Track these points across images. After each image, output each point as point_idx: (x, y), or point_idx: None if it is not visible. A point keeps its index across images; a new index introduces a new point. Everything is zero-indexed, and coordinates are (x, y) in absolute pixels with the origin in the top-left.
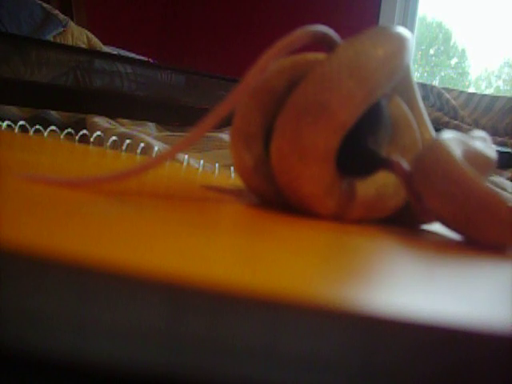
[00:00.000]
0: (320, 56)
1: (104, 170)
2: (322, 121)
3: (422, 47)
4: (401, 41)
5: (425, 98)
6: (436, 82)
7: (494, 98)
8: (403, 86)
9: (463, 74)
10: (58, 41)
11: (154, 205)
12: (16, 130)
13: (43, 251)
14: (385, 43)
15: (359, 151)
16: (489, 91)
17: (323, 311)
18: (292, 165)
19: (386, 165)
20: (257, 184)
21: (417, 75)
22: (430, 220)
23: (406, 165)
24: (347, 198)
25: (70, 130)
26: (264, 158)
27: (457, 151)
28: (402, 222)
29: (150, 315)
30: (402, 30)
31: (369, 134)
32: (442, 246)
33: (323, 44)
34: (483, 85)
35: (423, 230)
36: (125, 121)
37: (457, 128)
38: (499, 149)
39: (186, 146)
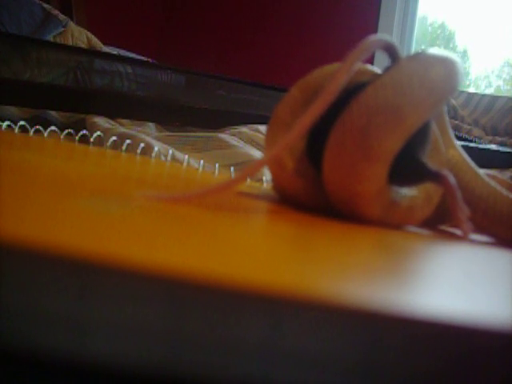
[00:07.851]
0: (371, 68)
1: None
2: (392, 123)
3: (422, 47)
4: (457, 64)
5: None
6: None
7: (494, 98)
8: None
9: (463, 73)
10: (58, 41)
11: (153, 203)
12: (16, 130)
13: (44, 247)
14: (445, 62)
15: (410, 161)
16: (489, 91)
17: (326, 308)
18: (354, 161)
19: (435, 177)
20: (290, 180)
21: None
22: (470, 233)
23: (452, 179)
24: (390, 204)
25: (69, 130)
26: (303, 154)
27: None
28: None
29: (151, 313)
30: (453, 55)
31: (420, 147)
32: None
33: (388, 54)
34: (483, 84)
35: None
36: (125, 121)
37: (457, 128)
38: (499, 149)
39: (283, 149)
